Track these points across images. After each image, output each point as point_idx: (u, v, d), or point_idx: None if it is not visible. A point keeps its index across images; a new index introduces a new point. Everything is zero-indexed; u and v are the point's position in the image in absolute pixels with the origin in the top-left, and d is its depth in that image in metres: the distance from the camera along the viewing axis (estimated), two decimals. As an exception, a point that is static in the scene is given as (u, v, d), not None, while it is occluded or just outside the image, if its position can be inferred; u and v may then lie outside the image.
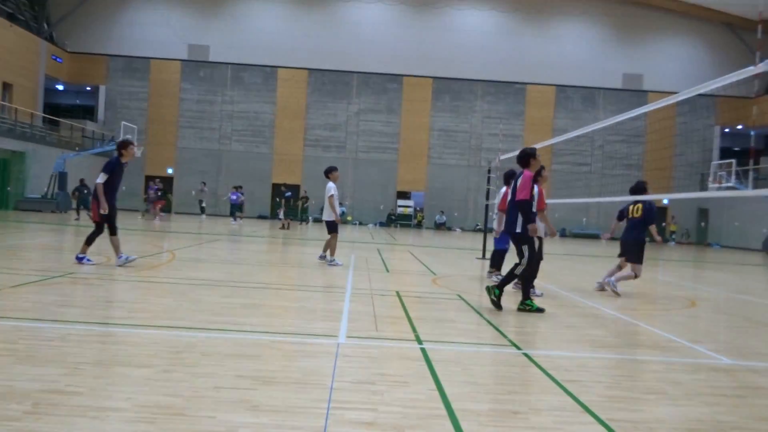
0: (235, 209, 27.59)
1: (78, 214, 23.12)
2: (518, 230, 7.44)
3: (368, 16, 37.17)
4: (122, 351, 4.44)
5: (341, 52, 36.86)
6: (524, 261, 7.36)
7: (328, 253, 11.51)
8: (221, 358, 4.40)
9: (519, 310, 7.27)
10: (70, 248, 12.30)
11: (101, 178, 9.10)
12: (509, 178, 9.78)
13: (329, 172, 11.55)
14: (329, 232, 11.34)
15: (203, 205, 30.99)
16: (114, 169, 9.15)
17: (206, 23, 36.93)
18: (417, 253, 16.09)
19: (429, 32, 37.09)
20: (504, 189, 10.32)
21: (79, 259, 9.25)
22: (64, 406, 3.26)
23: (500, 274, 10.45)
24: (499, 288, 7.28)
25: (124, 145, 9.38)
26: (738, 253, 27.71)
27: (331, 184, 11.27)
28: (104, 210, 9.03)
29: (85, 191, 22.48)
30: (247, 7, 36.96)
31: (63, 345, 4.49)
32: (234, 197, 27.52)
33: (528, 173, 7.42)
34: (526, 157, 7.64)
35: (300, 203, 33.45)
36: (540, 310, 7.24)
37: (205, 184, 31.45)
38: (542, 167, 9.95)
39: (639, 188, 9.92)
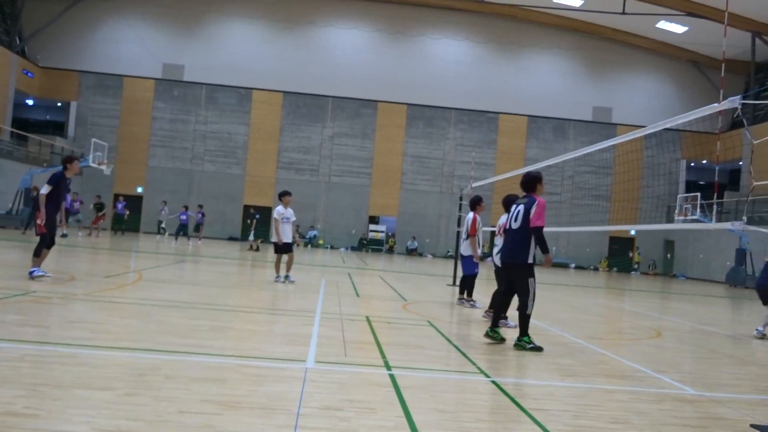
0: (182, 229, 27.20)
1: (25, 228, 23.01)
2: (530, 260, 6.82)
3: (345, 42, 37.49)
4: (83, 373, 4.32)
5: (317, 75, 37.02)
6: (532, 296, 6.79)
7: (291, 272, 12.16)
8: (186, 381, 4.31)
9: (516, 347, 6.78)
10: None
11: (45, 189, 9.29)
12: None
13: (282, 196, 12.17)
14: (276, 252, 12.06)
15: (163, 225, 30.58)
16: (58, 182, 9.32)
17: (182, 43, 36.82)
18: (388, 278, 16.06)
19: (404, 59, 37.52)
20: (472, 214, 10.37)
21: (32, 274, 9.12)
22: (21, 429, 3.15)
23: (471, 300, 10.48)
24: (523, 334, 6.77)
25: (70, 160, 9.75)
26: (702, 285, 28.24)
27: (279, 208, 11.93)
28: (41, 220, 9.11)
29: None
30: (223, 28, 36.99)
31: (21, 366, 4.36)
32: (184, 217, 27.29)
33: (542, 201, 6.89)
34: (533, 181, 7.08)
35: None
36: (539, 349, 6.69)
37: (165, 203, 30.95)
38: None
39: None
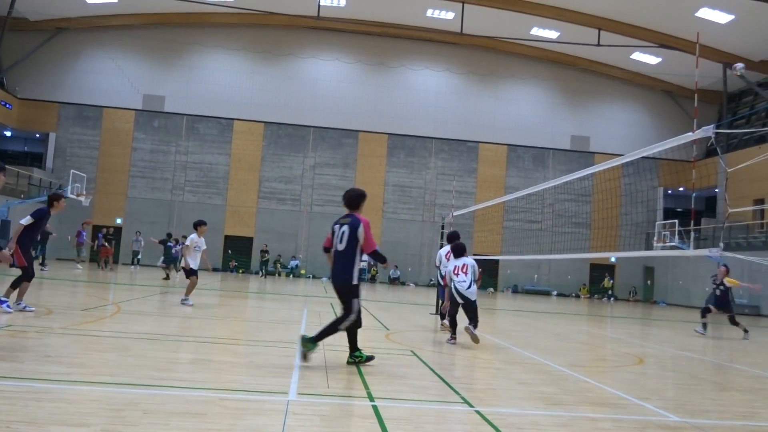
0: (173, 261, 26.94)
1: (42, 262, 22.44)
2: (354, 281, 6.75)
3: (325, 72, 37.80)
4: (58, 409, 4.21)
5: (298, 106, 37.22)
6: (353, 314, 6.72)
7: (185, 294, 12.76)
8: (165, 416, 4.22)
9: (349, 363, 6.76)
10: (9, 299, 11.78)
11: (26, 220, 9.10)
12: (456, 250, 9.59)
13: (197, 226, 12.82)
14: (187, 276, 12.70)
15: (139, 257, 30.29)
16: (42, 218, 9.22)
17: (162, 74, 36.88)
18: (370, 308, 15.97)
19: (385, 90, 37.90)
20: (446, 249, 10.40)
21: (1, 304, 8.98)
22: (-9, 469, 3.06)
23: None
24: (315, 341, 6.58)
25: (57, 197, 9.64)
26: (683, 311, 28.44)
27: (193, 236, 12.66)
28: (10, 250, 8.62)
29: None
30: (204, 59, 37.15)
31: (-6, 402, 4.24)
32: (138, 245, 27.52)
33: (366, 219, 6.79)
34: (358, 199, 7.00)
35: (261, 256, 33.10)
36: (370, 358, 6.84)
37: (139, 233, 30.56)
38: (457, 234, 10.13)
39: None
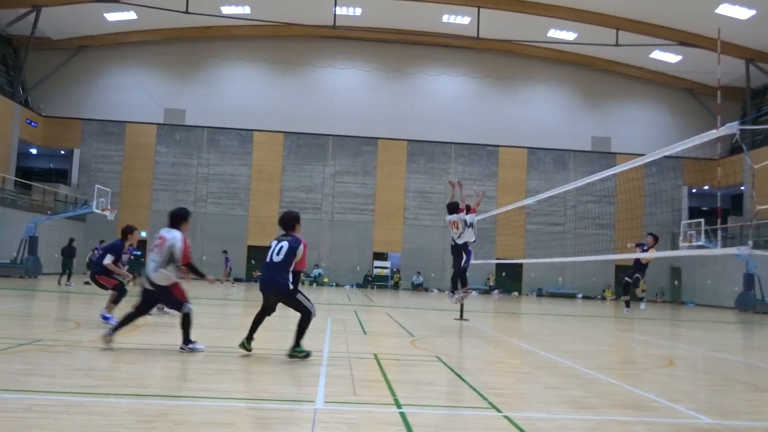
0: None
1: (68, 278, 22.29)
2: (291, 286, 7.45)
3: (343, 81, 37.99)
4: (91, 421, 4.27)
5: (317, 115, 37.44)
6: (309, 307, 7.46)
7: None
8: (195, 426, 4.25)
9: (290, 356, 7.38)
10: (38, 314, 11.99)
11: (108, 260, 10.18)
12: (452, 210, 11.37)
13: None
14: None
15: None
16: (119, 252, 10.43)
17: (182, 87, 37.36)
18: (394, 315, 15.96)
19: (403, 96, 37.96)
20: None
21: (107, 319, 9.85)
22: (27, 481, 3.10)
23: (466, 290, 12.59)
24: (296, 344, 7.44)
25: (130, 230, 10.74)
26: (712, 311, 27.97)
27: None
28: (121, 276, 10.45)
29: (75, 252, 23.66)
30: (223, 71, 37.56)
31: (28, 416, 4.31)
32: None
33: (305, 242, 7.54)
34: (292, 221, 7.72)
35: None
36: (308, 354, 7.38)
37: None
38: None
39: None
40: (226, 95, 37.29)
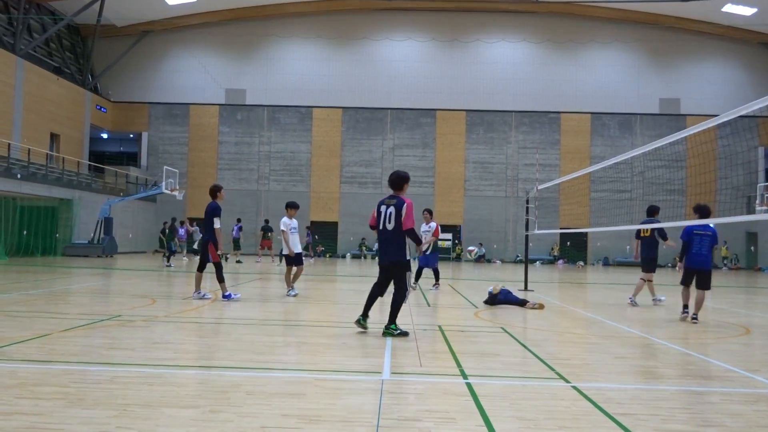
0: (185, 246, 27.50)
1: (168, 259, 21.68)
2: (407, 257, 7.31)
3: (400, 53, 37.69)
4: (169, 392, 4.48)
5: (374, 89, 37.36)
6: (406, 288, 7.30)
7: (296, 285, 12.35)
8: (266, 397, 4.40)
9: (384, 335, 7.21)
10: (116, 292, 12.57)
11: (218, 223, 10.38)
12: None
13: (288, 207, 12.07)
14: (288, 264, 12.12)
15: (194, 246, 27.54)
16: (220, 211, 10.60)
17: (242, 68, 37.93)
18: (457, 287, 15.95)
19: (460, 66, 37.38)
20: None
21: (228, 297, 10.48)
22: (114, 448, 3.29)
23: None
24: (391, 322, 7.29)
25: (218, 188, 10.97)
26: (791, 277, 26.71)
27: (285, 219, 12.05)
28: (220, 250, 10.50)
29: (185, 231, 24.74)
30: (280, 50, 37.88)
31: (112, 387, 4.55)
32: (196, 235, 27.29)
33: (410, 201, 7.24)
34: (401, 181, 7.44)
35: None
36: (405, 334, 7.24)
37: (193, 222, 28.14)
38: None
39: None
40: (285, 73, 37.64)
